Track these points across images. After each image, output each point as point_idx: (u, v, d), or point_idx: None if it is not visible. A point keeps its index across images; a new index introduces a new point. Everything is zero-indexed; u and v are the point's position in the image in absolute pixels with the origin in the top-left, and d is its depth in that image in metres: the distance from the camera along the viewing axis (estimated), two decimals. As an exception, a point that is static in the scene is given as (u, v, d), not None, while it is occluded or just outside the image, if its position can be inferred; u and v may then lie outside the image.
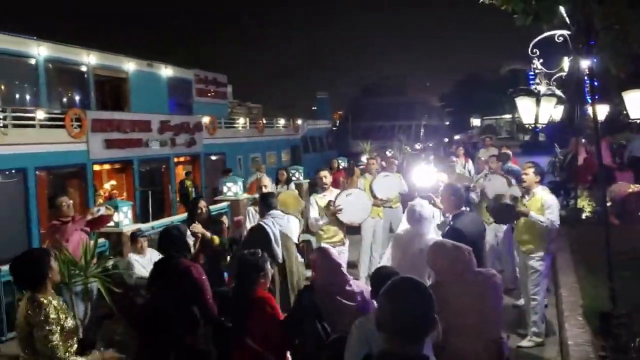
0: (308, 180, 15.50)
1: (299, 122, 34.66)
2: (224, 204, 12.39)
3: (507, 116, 63.93)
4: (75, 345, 4.15)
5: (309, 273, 8.48)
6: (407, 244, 5.95)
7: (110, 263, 7.10)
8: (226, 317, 4.81)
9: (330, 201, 7.86)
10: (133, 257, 7.13)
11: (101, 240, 8.27)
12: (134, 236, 7.55)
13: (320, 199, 8.07)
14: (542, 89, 7.55)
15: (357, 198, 8.01)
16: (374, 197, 9.35)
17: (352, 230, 8.80)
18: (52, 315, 3.96)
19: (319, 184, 8.41)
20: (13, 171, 14.14)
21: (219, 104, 26.40)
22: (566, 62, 8.26)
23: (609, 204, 8.34)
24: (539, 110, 7.47)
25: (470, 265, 4.31)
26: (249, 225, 7.97)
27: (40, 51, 16.18)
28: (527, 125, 8.01)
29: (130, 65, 19.92)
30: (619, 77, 9.03)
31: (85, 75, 18.29)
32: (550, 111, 7.78)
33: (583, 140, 15.47)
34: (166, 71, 22.05)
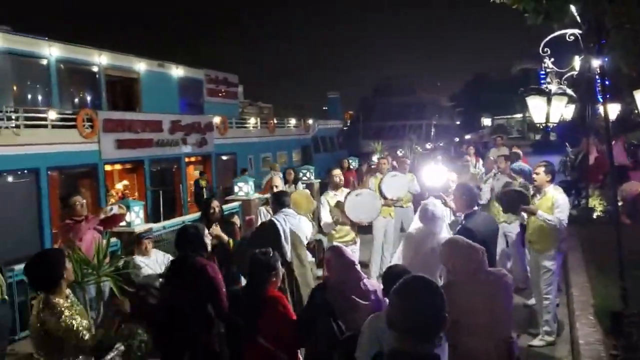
0: (319, 180, 15.50)
1: (310, 122, 34.68)
2: (236, 203, 12.43)
3: (518, 115, 63.83)
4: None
5: (320, 272, 8.54)
6: (420, 242, 5.94)
7: (121, 262, 7.11)
8: (237, 316, 4.83)
9: (339, 201, 7.93)
10: (138, 258, 7.11)
11: (113, 239, 8.30)
12: (139, 238, 7.53)
13: (331, 199, 8.12)
14: (553, 88, 7.54)
15: (367, 198, 8.04)
16: (384, 197, 9.37)
17: (364, 230, 8.83)
18: (66, 313, 3.93)
19: (332, 182, 8.44)
20: (25, 171, 14.29)
21: (230, 104, 26.45)
22: (577, 61, 8.21)
23: (620, 203, 8.29)
24: (550, 109, 7.46)
25: (482, 265, 4.32)
26: (260, 225, 8.01)
27: (52, 51, 16.33)
28: (538, 125, 8.00)
29: (141, 66, 20.05)
30: (630, 76, 9.01)
31: (97, 76, 18.42)
32: (561, 110, 7.76)
33: (595, 140, 15.39)
34: (177, 71, 22.17)
